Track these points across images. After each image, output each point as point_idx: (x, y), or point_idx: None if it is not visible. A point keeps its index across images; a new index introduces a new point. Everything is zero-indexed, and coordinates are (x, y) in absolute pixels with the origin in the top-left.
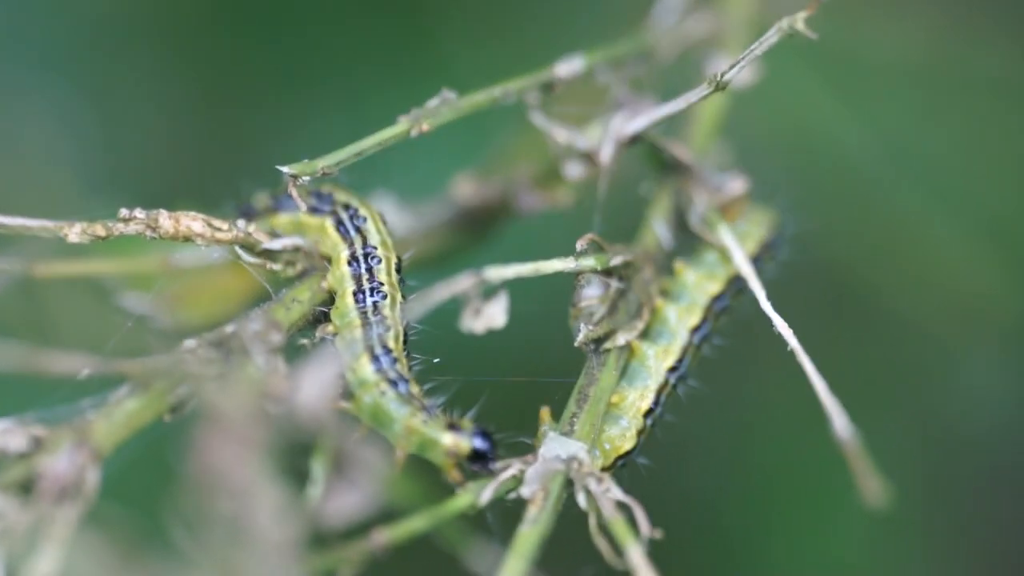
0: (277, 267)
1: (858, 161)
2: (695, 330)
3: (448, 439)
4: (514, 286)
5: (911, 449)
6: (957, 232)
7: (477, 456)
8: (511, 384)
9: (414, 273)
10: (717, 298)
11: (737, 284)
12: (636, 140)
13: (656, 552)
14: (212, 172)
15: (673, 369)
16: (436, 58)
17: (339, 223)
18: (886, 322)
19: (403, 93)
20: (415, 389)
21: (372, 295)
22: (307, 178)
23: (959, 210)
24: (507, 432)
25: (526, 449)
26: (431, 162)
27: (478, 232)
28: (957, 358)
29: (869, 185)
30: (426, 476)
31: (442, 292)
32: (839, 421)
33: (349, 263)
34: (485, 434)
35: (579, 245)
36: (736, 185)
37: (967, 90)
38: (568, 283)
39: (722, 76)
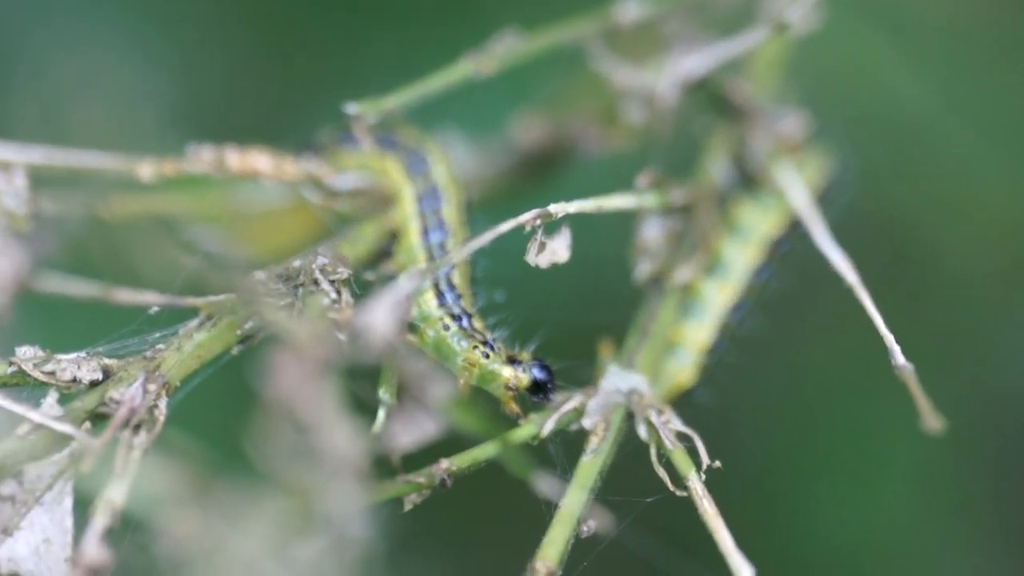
0: (341, 206)
1: (918, 115)
2: (755, 269)
3: (508, 372)
4: (578, 226)
5: (958, 405)
6: (1015, 187)
7: (537, 388)
8: (573, 319)
9: (479, 211)
10: (778, 238)
11: (798, 226)
12: (697, 83)
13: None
14: (277, 111)
15: (734, 308)
16: (478, 21)
17: (404, 162)
18: (937, 275)
19: (447, 50)
20: (478, 324)
21: (437, 232)
22: (372, 117)
23: (1017, 165)
24: (568, 363)
25: (587, 382)
26: (490, 100)
27: (540, 174)
28: (997, 317)
29: (928, 138)
30: (488, 409)
31: (506, 226)
32: (897, 353)
33: (415, 201)
34: (544, 367)
35: (639, 183)
36: (795, 124)
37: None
38: (630, 222)
39: (783, 16)
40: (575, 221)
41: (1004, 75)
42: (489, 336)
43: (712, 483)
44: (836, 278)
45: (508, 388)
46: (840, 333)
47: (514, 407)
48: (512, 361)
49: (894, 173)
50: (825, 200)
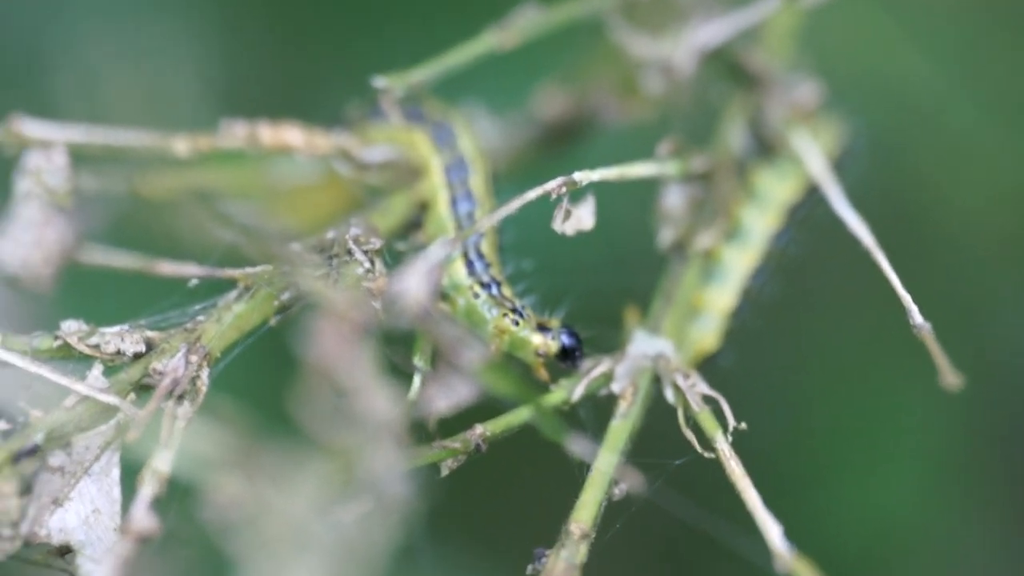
0: (371, 178)
1: (925, 87)
2: (774, 235)
3: (537, 338)
4: (602, 194)
5: (963, 391)
6: (1015, 164)
7: (565, 354)
8: (599, 285)
9: (504, 182)
10: (795, 204)
11: (815, 192)
12: (713, 52)
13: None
14: (306, 88)
15: (755, 273)
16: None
17: (431, 134)
18: (945, 246)
19: (469, 30)
20: (507, 291)
21: (465, 203)
22: (398, 91)
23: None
24: (596, 330)
25: (614, 348)
26: (510, 74)
27: (562, 144)
28: (1006, 295)
29: (935, 110)
30: (519, 374)
31: (532, 194)
32: (915, 312)
33: (443, 173)
34: (573, 333)
35: (660, 151)
36: (810, 93)
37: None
38: (652, 189)
39: None
40: (599, 189)
41: (1011, 48)
42: (518, 303)
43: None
44: (847, 247)
45: (538, 355)
46: (851, 304)
47: (543, 373)
48: (541, 328)
49: (902, 144)
50: (839, 167)
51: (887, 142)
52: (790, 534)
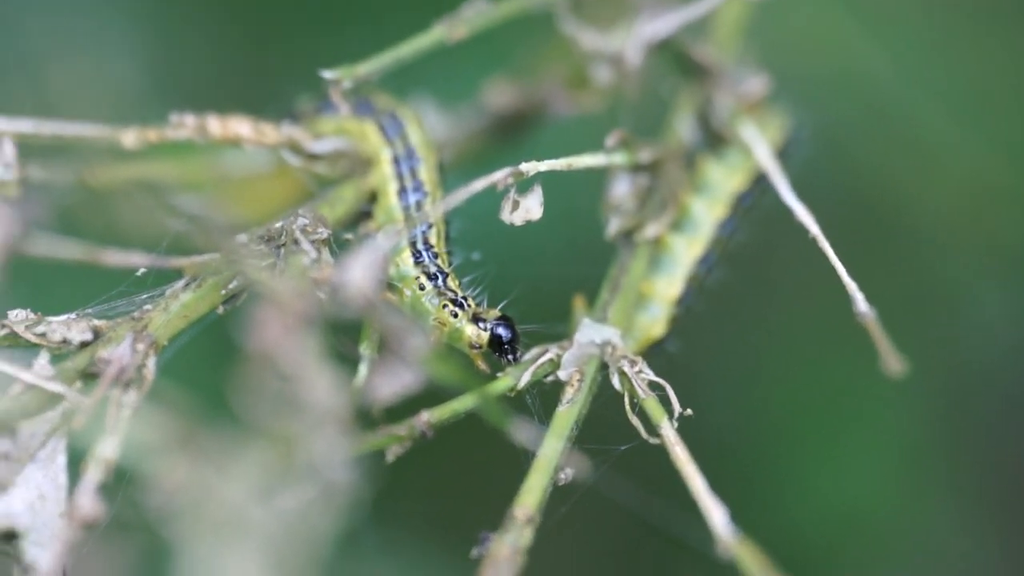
0: (321, 169)
1: (879, 80)
2: (721, 223)
3: (471, 330)
4: (553, 184)
5: (928, 380)
6: (975, 158)
7: (498, 345)
8: (549, 275)
9: (453, 173)
10: (742, 193)
11: (762, 181)
12: (662, 44)
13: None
14: (257, 83)
15: (701, 261)
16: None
17: (381, 126)
18: (902, 247)
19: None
20: (453, 283)
21: (414, 193)
22: (348, 83)
23: (977, 137)
24: (543, 323)
25: (563, 338)
26: (461, 70)
27: (512, 135)
28: (969, 284)
29: (891, 103)
30: (467, 362)
31: (479, 185)
32: (859, 300)
33: (391, 163)
34: (508, 325)
35: (608, 142)
36: (757, 85)
37: (982, 18)
38: (604, 179)
39: None
40: (550, 180)
41: (974, 45)
42: (461, 295)
43: (684, 435)
44: (800, 239)
45: (472, 346)
46: (817, 292)
47: (480, 364)
48: (477, 319)
49: (860, 139)
50: (784, 156)
51: (845, 136)
52: (754, 523)
